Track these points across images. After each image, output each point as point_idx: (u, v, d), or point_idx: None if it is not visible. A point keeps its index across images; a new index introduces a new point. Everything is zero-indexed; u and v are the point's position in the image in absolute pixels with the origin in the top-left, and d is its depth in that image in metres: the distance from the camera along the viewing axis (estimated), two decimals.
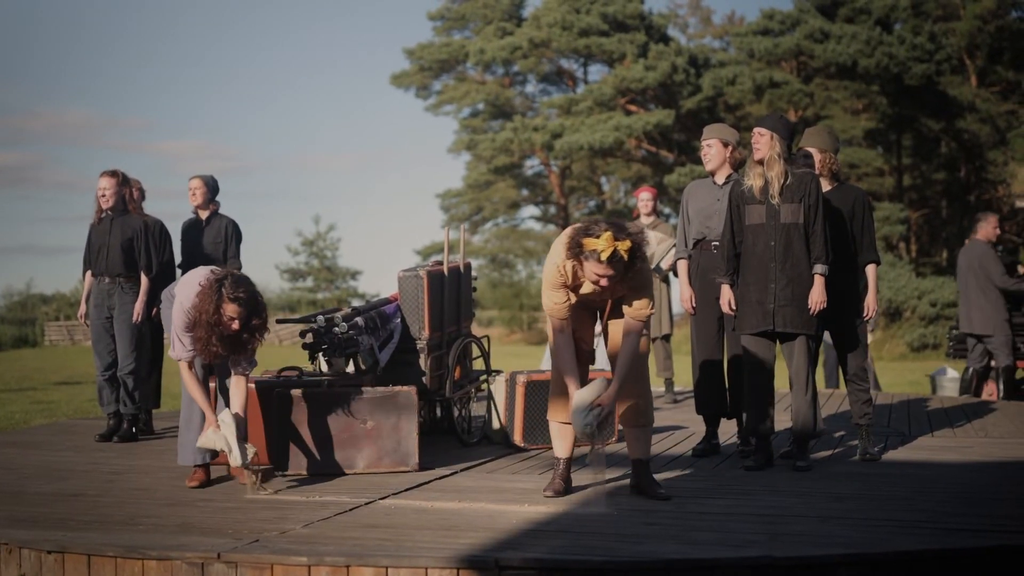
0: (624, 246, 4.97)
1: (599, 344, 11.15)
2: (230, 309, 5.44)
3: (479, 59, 37.18)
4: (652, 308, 5.28)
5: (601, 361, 10.97)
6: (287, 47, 73.27)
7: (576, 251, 5.03)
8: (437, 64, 40.22)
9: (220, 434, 5.58)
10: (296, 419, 6.09)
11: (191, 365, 5.71)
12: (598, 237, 4.96)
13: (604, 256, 4.95)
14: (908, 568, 4.14)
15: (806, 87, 32.39)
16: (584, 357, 5.52)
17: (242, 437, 5.61)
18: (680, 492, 5.50)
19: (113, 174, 7.71)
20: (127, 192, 7.77)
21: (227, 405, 5.83)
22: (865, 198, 6.70)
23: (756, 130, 6.21)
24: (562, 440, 5.54)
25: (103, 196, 7.67)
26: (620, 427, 7.55)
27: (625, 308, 5.25)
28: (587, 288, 5.22)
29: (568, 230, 5.22)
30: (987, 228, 10.82)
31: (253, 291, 5.53)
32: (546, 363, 11.08)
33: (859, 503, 5.16)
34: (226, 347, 5.57)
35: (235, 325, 5.48)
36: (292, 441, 6.09)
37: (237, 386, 5.74)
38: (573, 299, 5.27)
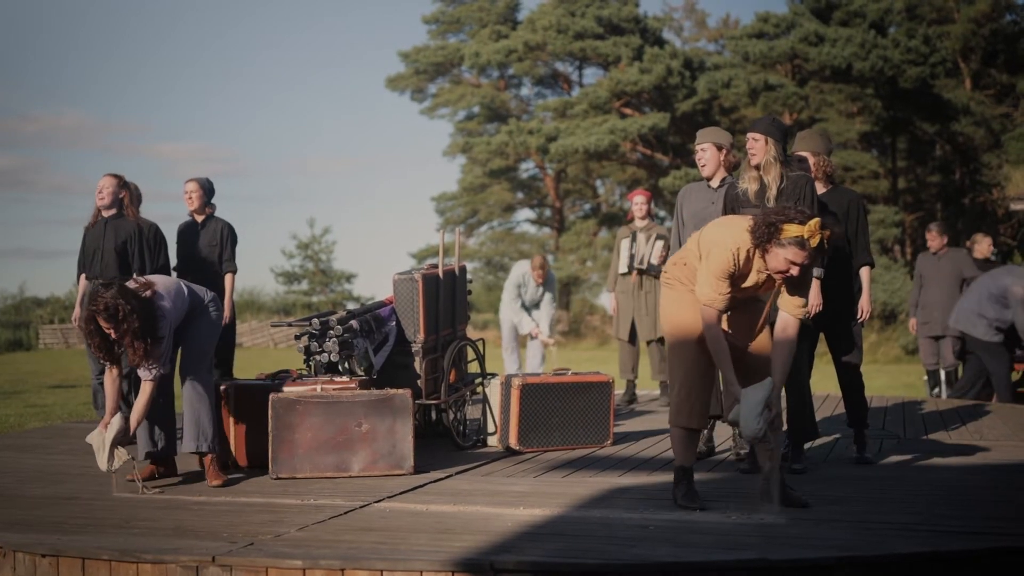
0: (827, 235, 4.87)
1: (532, 346, 11.14)
2: (98, 319, 5.61)
3: (474, 62, 37.19)
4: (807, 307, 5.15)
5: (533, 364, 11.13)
6: (282, 50, 73.28)
7: (767, 236, 4.86)
8: (432, 67, 40.24)
9: (101, 435, 5.76)
10: (291, 422, 6.09)
11: (111, 367, 5.85)
12: (803, 223, 4.83)
13: (814, 243, 4.83)
14: (903, 570, 4.14)
15: (801, 90, 32.42)
16: (741, 356, 5.21)
17: (121, 442, 5.77)
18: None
19: (115, 176, 7.77)
20: (125, 196, 7.78)
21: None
22: (860, 200, 6.71)
23: (750, 135, 6.19)
24: (693, 448, 5.29)
25: (100, 193, 7.70)
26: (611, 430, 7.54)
27: (784, 303, 5.08)
28: (751, 280, 5.06)
29: (735, 219, 5.10)
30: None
31: (116, 302, 5.57)
32: (510, 366, 11.13)
33: (854, 506, 5.17)
34: (108, 352, 5.74)
35: (112, 334, 5.64)
36: (287, 444, 6.09)
37: (140, 392, 5.89)
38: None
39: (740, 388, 4.97)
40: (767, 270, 4.99)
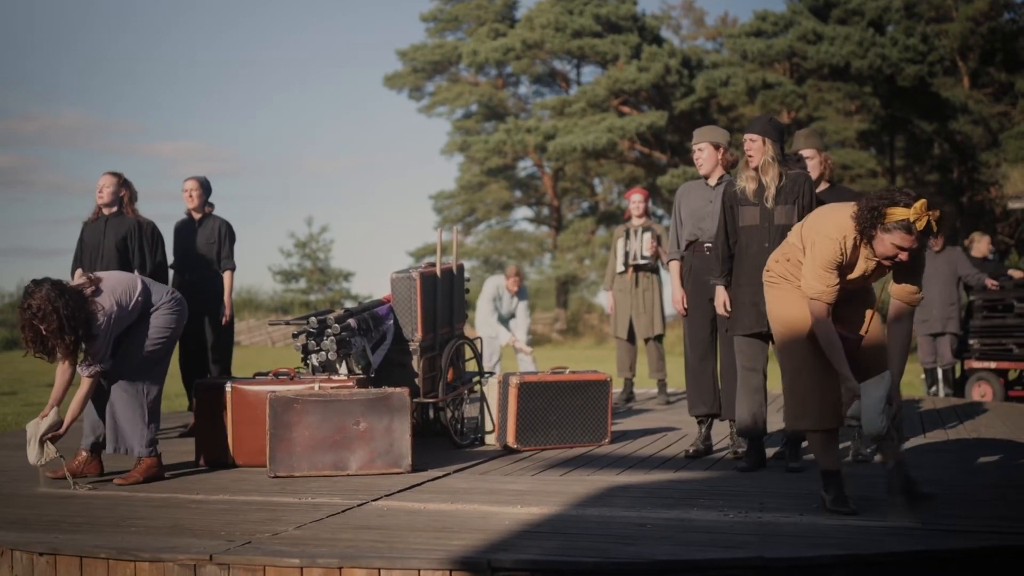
0: (935, 216, 4.63)
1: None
2: (25, 315, 5.69)
3: (472, 60, 37.17)
4: (921, 294, 4.94)
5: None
6: (280, 49, 73.22)
7: (872, 222, 4.65)
8: (430, 65, 40.20)
9: (36, 425, 5.86)
10: (289, 420, 6.08)
11: (60, 360, 5.89)
12: (908, 206, 4.61)
13: (920, 225, 4.59)
14: (901, 569, 4.14)
15: (799, 88, 32.41)
16: (854, 349, 4.95)
17: (50, 437, 5.86)
18: (672, 494, 5.51)
19: (115, 174, 7.78)
20: (125, 195, 7.79)
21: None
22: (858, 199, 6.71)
23: (747, 136, 6.19)
24: (835, 448, 5.03)
25: (100, 192, 7.70)
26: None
27: (895, 291, 4.88)
28: (859, 269, 4.83)
29: (839, 206, 4.89)
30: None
31: (40, 302, 5.62)
32: (490, 360, 11.11)
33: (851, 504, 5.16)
34: (42, 346, 5.75)
35: (43, 331, 5.68)
36: (284, 442, 6.08)
37: (79, 388, 5.96)
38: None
39: (856, 383, 4.78)
40: (875, 257, 4.79)
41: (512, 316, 11.22)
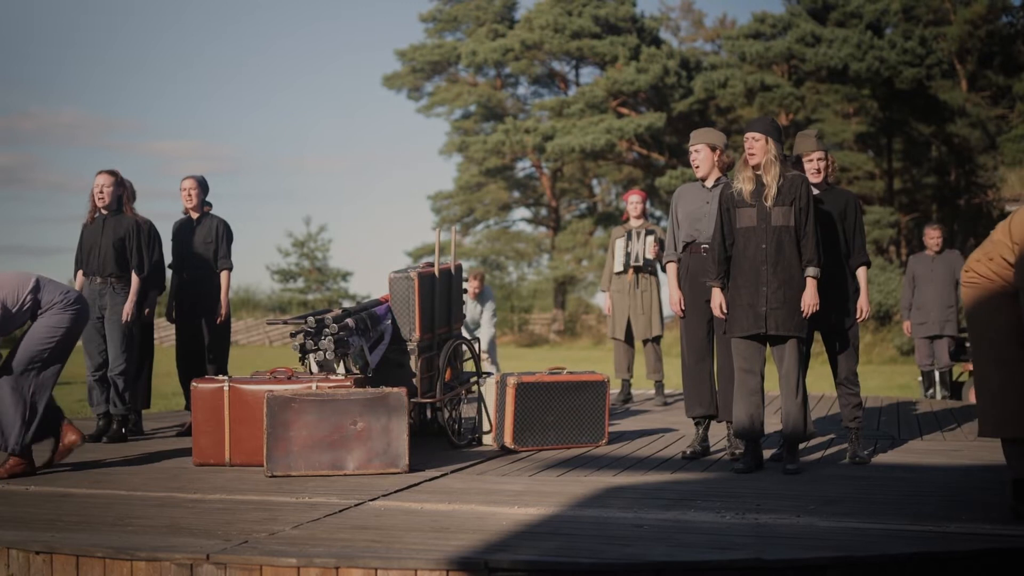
0: None
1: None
2: None
3: (471, 61, 37.20)
4: None
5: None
6: (279, 48, 73.21)
7: None
8: (429, 66, 40.24)
9: None
10: (286, 420, 6.08)
11: None
12: None
13: None
14: (898, 571, 4.14)
15: (797, 90, 32.44)
16: None
17: None
18: (669, 495, 5.51)
19: (111, 173, 7.77)
20: (123, 193, 7.79)
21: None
22: (856, 201, 6.73)
23: (750, 135, 6.19)
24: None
25: (100, 193, 7.69)
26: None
27: None
28: None
29: None
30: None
31: None
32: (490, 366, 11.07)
33: (849, 506, 5.17)
34: None
35: None
36: (282, 442, 6.08)
37: None
38: None
39: None
40: None
41: (477, 325, 11.16)
